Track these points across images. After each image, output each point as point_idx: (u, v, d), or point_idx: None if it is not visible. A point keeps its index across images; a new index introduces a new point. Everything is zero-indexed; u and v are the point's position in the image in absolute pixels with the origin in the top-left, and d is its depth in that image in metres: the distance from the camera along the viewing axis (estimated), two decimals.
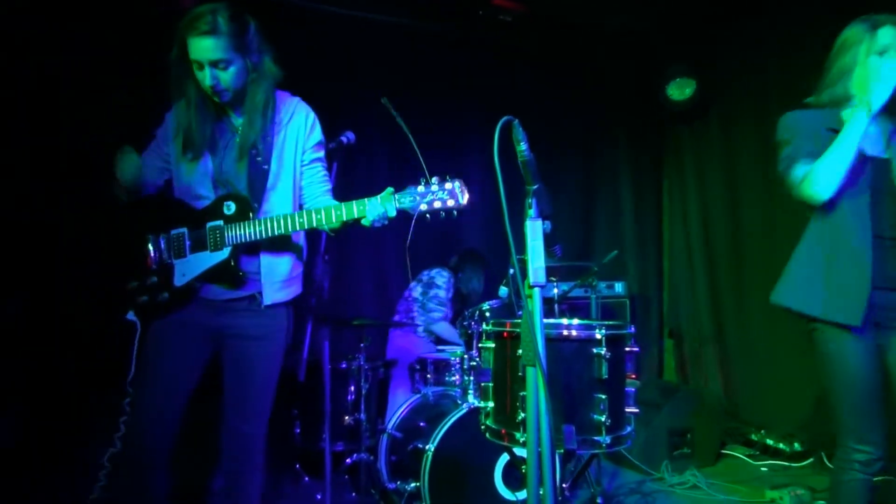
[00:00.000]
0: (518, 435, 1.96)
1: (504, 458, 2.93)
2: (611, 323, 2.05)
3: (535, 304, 1.54)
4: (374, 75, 4.10)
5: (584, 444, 1.92)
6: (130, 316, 2.29)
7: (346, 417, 3.48)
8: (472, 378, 3.19)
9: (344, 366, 3.51)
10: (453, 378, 3.48)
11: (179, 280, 2.30)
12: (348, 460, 3.37)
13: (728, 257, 5.12)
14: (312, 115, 2.44)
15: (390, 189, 2.19)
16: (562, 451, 1.73)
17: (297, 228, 2.24)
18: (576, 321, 2.14)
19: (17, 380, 3.34)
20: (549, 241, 1.55)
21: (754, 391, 4.88)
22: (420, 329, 4.15)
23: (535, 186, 1.64)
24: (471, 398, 3.10)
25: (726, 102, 5.06)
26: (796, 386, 4.51)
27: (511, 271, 3.36)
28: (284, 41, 2.34)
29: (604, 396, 1.95)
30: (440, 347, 4.07)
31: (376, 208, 2.17)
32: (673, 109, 5.18)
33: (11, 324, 3.37)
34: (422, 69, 4.53)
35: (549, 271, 3.56)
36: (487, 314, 3.29)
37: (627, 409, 2.04)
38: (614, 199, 5.58)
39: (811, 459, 4.11)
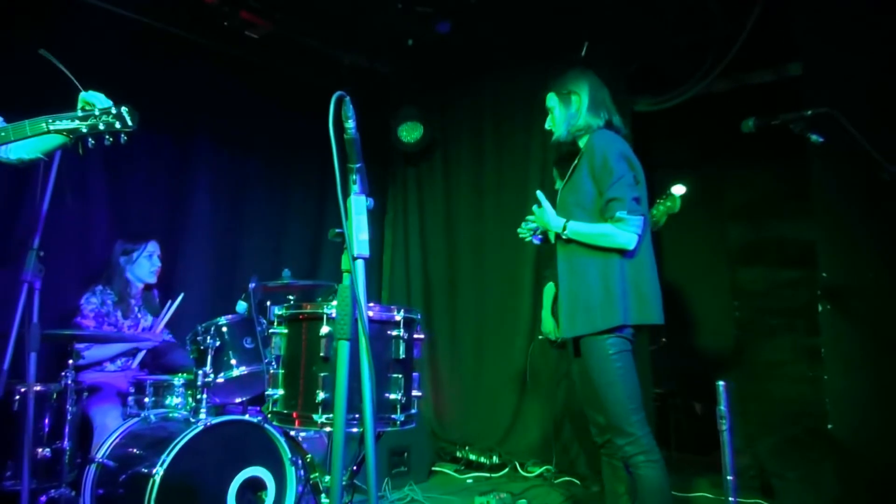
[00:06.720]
0: (316, 416, 1.96)
1: (238, 480, 2.79)
2: (405, 307, 2.18)
3: (358, 276, 1.59)
4: (106, 68, 3.64)
5: (380, 422, 2.03)
6: None
7: (41, 449, 2.97)
8: (205, 396, 2.98)
9: (42, 388, 3.02)
10: (176, 401, 3.20)
11: None
12: (43, 498, 2.87)
13: (444, 288, 5.54)
14: None
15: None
16: (362, 429, 1.74)
17: None
18: (372, 303, 2.20)
19: None
20: None
21: (459, 413, 5.32)
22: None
23: (359, 165, 1.81)
24: (203, 415, 2.89)
25: (449, 148, 5.58)
26: (493, 407, 5.08)
27: (252, 286, 3.26)
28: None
29: (399, 376, 2.07)
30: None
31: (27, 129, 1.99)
32: (402, 149, 5.55)
33: None
34: (157, 71, 4.17)
35: (280, 290, 3.52)
36: (224, 329, 3.14)
37: (414, 392, 2.17)
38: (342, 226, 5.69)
39: (507, 469, 4.65)
